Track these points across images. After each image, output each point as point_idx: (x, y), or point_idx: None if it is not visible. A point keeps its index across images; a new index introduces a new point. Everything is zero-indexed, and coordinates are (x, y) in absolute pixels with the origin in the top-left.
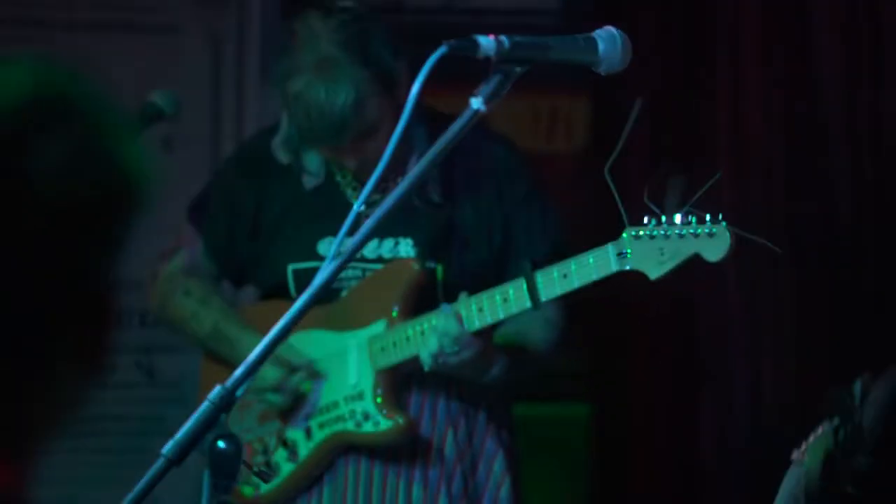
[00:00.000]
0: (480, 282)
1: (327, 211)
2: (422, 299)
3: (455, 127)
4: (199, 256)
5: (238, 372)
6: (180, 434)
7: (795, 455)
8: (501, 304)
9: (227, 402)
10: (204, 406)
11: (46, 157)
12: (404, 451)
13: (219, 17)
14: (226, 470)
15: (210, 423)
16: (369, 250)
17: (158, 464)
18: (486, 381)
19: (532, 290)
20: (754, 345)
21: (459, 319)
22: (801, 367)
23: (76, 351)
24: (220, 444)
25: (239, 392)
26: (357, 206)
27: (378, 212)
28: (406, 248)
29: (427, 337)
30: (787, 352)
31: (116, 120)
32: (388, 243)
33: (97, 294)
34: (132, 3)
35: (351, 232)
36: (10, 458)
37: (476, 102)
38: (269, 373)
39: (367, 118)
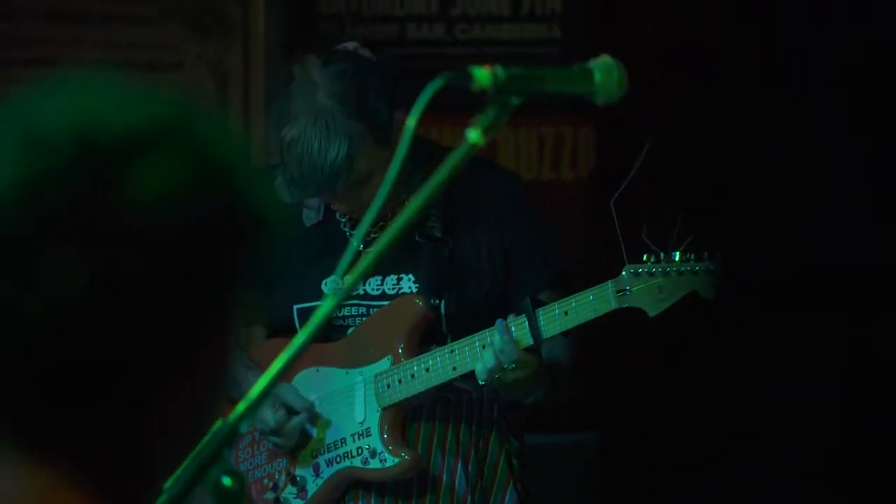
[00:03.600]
0: (484, 315)
1: (330, 250)
2: (426, 335)
3: (451, 160)
4: None
5: (239, 407)
6: (182, 469)
7: None
8: None
9: (229, 437)
10: (206, 441)
11: (158, 179)
12: (414, 484)
13: (224, 54)
14: None
15: (213, 459)
16: (372, 287)
17: (161, 500)
18: (530, 402)
19: (534, 328)
20: (757, 367)
21: (515, 338)
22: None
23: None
24: (225, 480)
25: (243, 428)
26: (354, 246)
27: (375, 249)
28: (408, 284)
29: (485, 351)
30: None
31: (228, 141)
32: (391, 280)
33: (214, 315)
34: (137, 40)
35: (349, 270)
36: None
37: (472, 135)
38: (269, 416)
39: (358, 171)
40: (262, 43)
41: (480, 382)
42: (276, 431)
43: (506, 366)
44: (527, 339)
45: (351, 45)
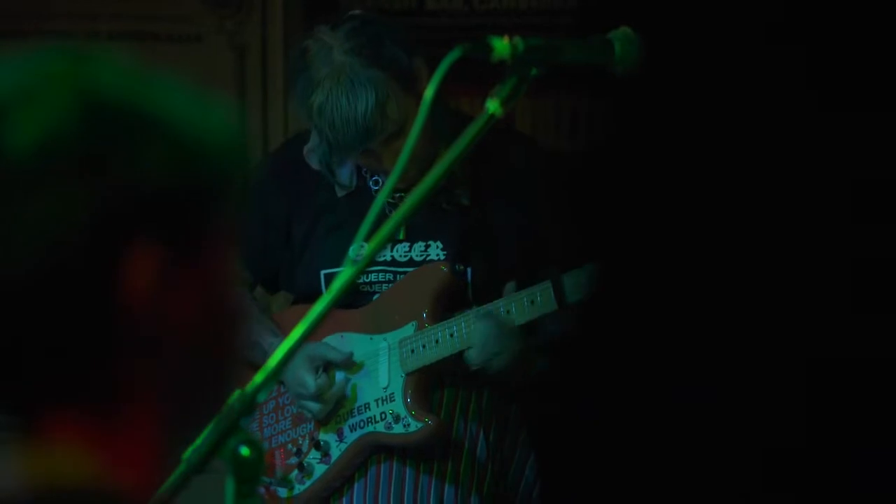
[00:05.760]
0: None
1: (359, 216)
2: (452, 301)
3: (470, 131)
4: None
5: (258, 377)
6: (201, 440)
7: None
8: (529, 306)
9: (247, 408)
10: (224, 411)
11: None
12: (436, 450)
13: (242, 26)
14: (248, 476)
15: (231, 429)
16: (399, 254)
17: (180, 470)
18: (528, 380)
19: (558, 292)
20: None
21: (500, 320)
22: None
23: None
24: (243, 450)
25: (261, 397)
26: (378, 205)
27: (395, 216)
28: (436, 251)
29: (471, 334)
30: None
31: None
32: (419, 247)
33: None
34: (155, 13)
35: (372, 234)
36: (144, 456)
37: (491, 106)
38: (309, 381)
39: (391, 118)
40: (281, 14)
41: (472, 369)
42: (316, 397)
43: (493, 348)
44: (551, 305)
45: (358, 11)
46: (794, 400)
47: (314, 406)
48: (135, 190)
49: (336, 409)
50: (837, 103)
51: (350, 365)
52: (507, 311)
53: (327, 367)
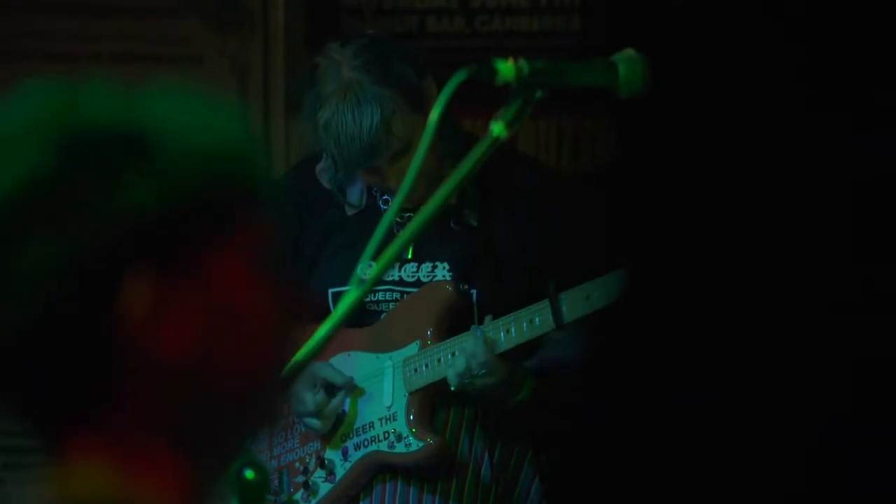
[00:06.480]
0: (516, 305)
1: (369, 235)
2: (457, 321)
3: (475, 153)
4: None
5: None
6: None
7: None
8: (528, 325)
9: None
10: None
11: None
12: (440, 470)
13: (244, 47)
14: (252, 498)
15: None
16: (407, 274)
17: None
18: (513, 405)
19: (556, 312)
20: None
21: (488, 343)
22: None
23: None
24: (247, 472)
25: None
26: (385, 225)
27: (401, 238)
28: (443, 272)
29: (456, 358)
30: None
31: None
32: (426, 267)
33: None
34: (157, 34)
35: (380, 252)
36: (188, 467)
37: (496, 128)
38: (308, 398)
39: (396, 136)
40: (282, 36)
41: (452, 388)
42: (315, 413)
43: (475, 371)
44: (549, 324)
45: (370, 31)
46: (819, 410)
47: (315, 422)
48: (122, 222)
49: (337, 427)
50: (843, 110)
51: (352, 388)
52: (507, 331)
53: (329, 388)
